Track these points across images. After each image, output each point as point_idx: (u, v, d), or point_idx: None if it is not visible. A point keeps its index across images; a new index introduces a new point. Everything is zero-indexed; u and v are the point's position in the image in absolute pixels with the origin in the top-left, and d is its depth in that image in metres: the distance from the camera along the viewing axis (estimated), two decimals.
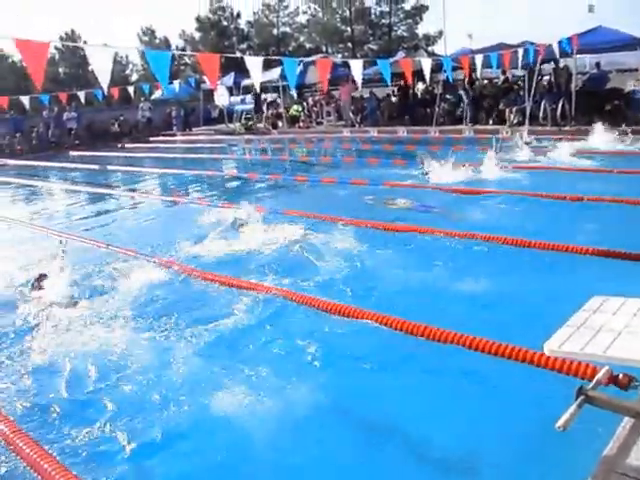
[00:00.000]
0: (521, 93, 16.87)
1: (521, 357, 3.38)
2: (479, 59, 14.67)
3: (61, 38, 46.90)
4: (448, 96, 19.14)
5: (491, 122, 17.38)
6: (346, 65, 18.55)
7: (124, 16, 71.40)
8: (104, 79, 6.46)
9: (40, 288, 5.73)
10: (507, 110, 16.82)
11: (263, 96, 25.97)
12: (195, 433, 3.22)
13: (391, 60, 15.02)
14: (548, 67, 17.54)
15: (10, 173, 18.41)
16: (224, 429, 3.22)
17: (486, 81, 20.08)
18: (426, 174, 9.87)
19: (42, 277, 5.89)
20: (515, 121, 16.36)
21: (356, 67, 11.87)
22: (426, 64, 13.38)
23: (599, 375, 2.28)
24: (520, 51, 14.87)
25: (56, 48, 41.25)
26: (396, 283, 5.19)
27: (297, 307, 4.68)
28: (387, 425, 3.18)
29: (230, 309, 4.81)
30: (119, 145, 24.57)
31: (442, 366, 3.67)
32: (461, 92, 18.24)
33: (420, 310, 4.42)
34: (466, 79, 18.09)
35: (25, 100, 21.09)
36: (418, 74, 15.70)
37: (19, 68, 47.30)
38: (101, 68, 6.46)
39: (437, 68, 16.09)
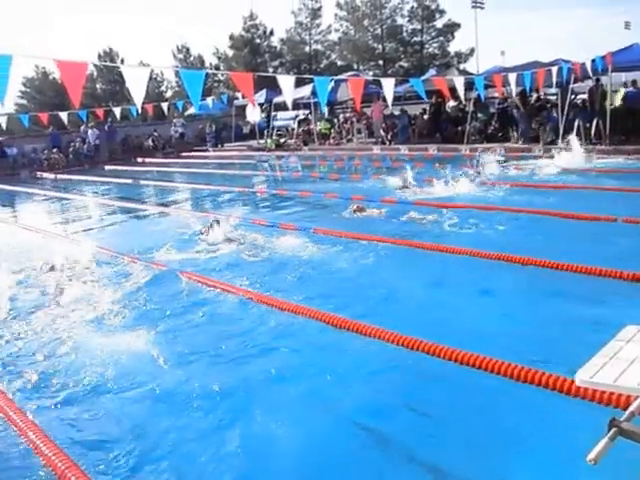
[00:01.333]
0: (554, 112, 16.70)
1: (550, 384, 3.28)
2: (512, 77, 14.57)
3: (99, 56, 48.04)
4: (480, 114, 19.04)
5: (521, 142, 17.21)
6: (377, 83, 18.61)
7: (160, 34, 73.06)
8: (138, 97, 6.61)
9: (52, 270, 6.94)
10: (540, 129, 16.66)
11: (294, 113, 26.19)
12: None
13: (423, 78, 15.02)
14: (582, 85, 17.36)
15: (46, 186, 18.84)
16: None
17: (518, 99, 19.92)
18: (405, 187, 11.07)
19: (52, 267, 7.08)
20: (548, 140, 16.18)
21: (388, 85, 11.88)
22: (459, 82, 13.35)
23: (633, 406, 2.21)
24: (554, 69, 14.74)
25: (94, 65, 42.20)
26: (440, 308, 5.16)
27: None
28: (407, 448, 3.14)
29: (267, 329, 4.86)
30: (140, 160, 24.99)
31: (467, 390, 3.61)
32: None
33: (439, 330, 4.38)
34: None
35: (64, 116, 21.59)
36: (449, 92, 15.66)
37: (60, 85, 48.56)
38: (136, 86, 6.60)
39: (469, 86, 16.03)
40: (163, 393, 3.90)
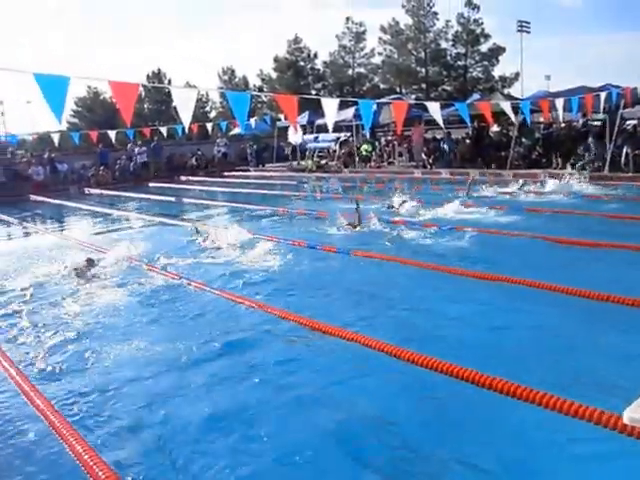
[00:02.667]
0: (602, 138, 16.40)
1: (595, 419, 3.15)
2: (560, 102, 14.40)
3: (148, 76, 49.39)
4: (524, 139, 18.83)
5: (568, 167, 16.95)
6: (420, 106, 18.62)
7: (206, 54, 74.69)
8: (186, 117, 6.78)
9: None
10: (586, 155, 16.38)
11: (336, 135, 26.36)
12: None
13: (468, 102, 14.98)
14: (633, 111, 17.02)
15: (92, 201, 19.33)
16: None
17: (564, 124, 19.68)
18: (391, 207, 11.94)
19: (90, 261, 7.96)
20: (580, 164, 15.86)
21: (434, 109, 11.87)
22: (506, 106, 13.26)
23: None
24: (602, 94, 14.51)
25: (143, 86, 43.38)
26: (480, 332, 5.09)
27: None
28: None
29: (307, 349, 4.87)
30: (184, 178, 25.41)
31: (508, 419, 3.53)
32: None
33: (469, 355, 4.31)
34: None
35: (112, 134, 22.18)
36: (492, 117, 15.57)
37: (109, 104, 50.09)
38: (184, 107, 6.77)
39: (514, 111, 15.90)
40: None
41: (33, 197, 21.60)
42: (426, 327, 5.27)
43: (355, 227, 10.18)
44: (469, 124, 14.34)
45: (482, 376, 3.75)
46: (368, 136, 25.83)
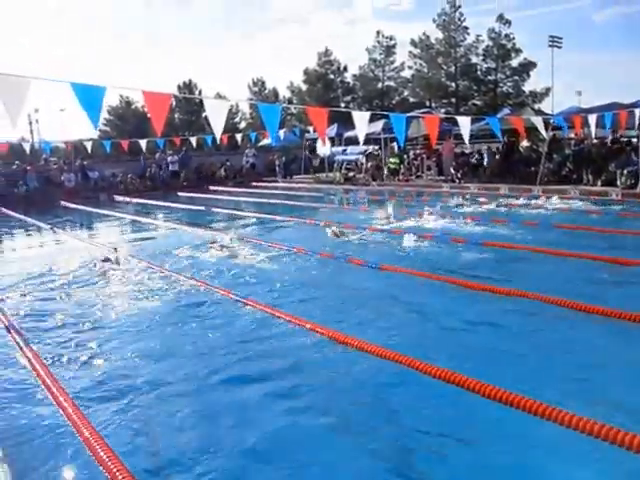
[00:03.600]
0: (634, 155, 16.14)
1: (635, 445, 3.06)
2: (592, 118, 14.22)
3: (179, 87, 50.06)
4: (555, 155, 18.61)
5: (599, 183, 16.70)
6: (451, 120, 18.55)
7: (237, 65, 75.51)
8: (218, 128, 6.85)
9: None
10: (618, 172, 16.12)
11: (364, 147, 26.35)
12: None
13: (499, 116, 14.88)
14: None
15: (121, 209, 19.58)
16: None
17: (595, 141, 19.41)
18: (387, 218, 12.51)
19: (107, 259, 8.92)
20: (628, 183, 15.63)
21: (464, 123, 11.80)
22: (538, 122, 13.14)
23: None
24: (637, 111, 14.31)
25: (174, 96, 44.03)
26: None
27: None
28: None
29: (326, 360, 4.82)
30: (212, 188, 25.59)
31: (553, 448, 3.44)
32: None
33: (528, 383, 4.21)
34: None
35: (142, 143, 22.47)
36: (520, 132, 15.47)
37: (141, 113, 50.92)
38: (216, 118, 6.85)
39: (544, 126, 15.75)
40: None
41: (64, 203, 21.95)
42: (472, 346, 5.18)
43: (339, 236, 10.78)
44: (501, 139, 14.22)
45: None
46: (396, 149, 25.79)
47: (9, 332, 5.97)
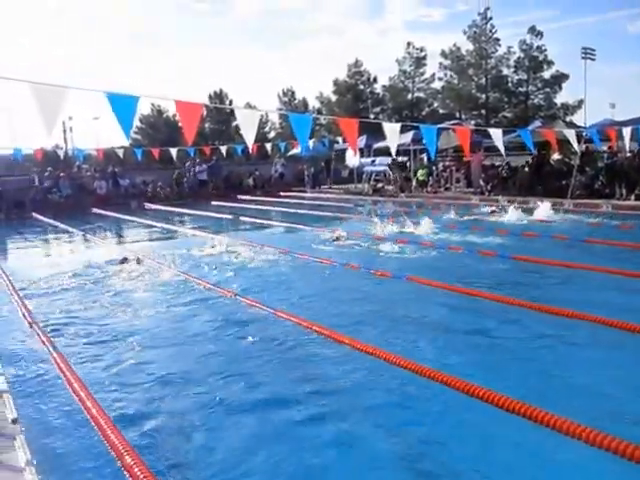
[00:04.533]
0: None
1: None
2: (627, 131, 13.99)
3: (210, 96, 50.64)
4: (587, 168, 18.33)
5: (633, 198, 16.37)
6: (479, 132, 18.41)
7: (267, 75, 76.18)
8: (250, 137, 6.93)
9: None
10: None
11: (393, 158, 26.27)
12: None
13: (531, 128, 14.73)
14: None
15: (148, 216, 19.81)
16: None
17: (629, 154, 19.06)
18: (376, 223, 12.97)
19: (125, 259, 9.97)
20: None
21: (496, 135, 11.69)
22: (571, 134, 12.97)
23: None
24: None
25: (205, 106, 44.62)
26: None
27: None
28: None
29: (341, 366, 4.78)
30: (240, 197, 25.73)
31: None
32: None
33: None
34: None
35: (173, 152, 22.71)
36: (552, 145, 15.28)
37: (172, 122, 51.59)
38: (248, 127, 6.92)
39: (577, 138, 15.53)
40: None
41: (95, 210, 22.27)
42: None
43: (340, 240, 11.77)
44: (533, 151, 14.05)
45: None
46: (426, 161, 25.69)
47: (31, 327, 6.27)
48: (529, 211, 15.76)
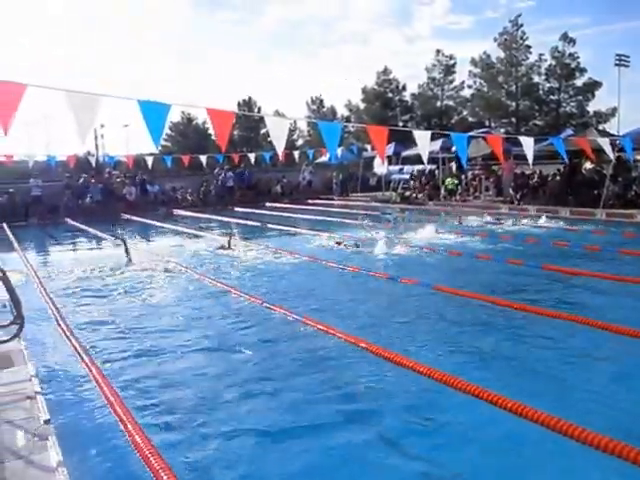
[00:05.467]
0: None
1: None
2: None
3: (239, 104, 51.09)
4: (620, 178, 18.02)
5: None
6: (509, 140, 18.22)
7: (295, 83, 76.61)
8: (280, 145, 7.02)
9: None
10: None
11: (421, 167, 26.19)
12: None
13: (563, 137, 14.53)
14: None
15: (176, 222, 20.03)
16: None
17: None
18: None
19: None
20: None
21: (527, 144, 11.56)
22: (604, 143, 12.75)
23: None
24: None
25: (235, 113, 44.98)
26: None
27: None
28: None
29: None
30: (268, 204, 25.80)
31: None
32: None
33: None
34: None
35: (203, 159, 22.90)
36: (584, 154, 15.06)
37: (202, 129, 52.16)
38: (278, 135, 7.01)
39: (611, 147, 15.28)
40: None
41: (125, 216, 22.57)
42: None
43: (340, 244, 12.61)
44: (566, 160, 13.86)
45: None
46: (454, 169, 25.56)
47: (62, 330, 6.35)
48: (560, 220, 15.59)
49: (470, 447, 3.83)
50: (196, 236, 15.47)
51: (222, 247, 12.53)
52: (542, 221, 16.08)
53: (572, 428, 3.28)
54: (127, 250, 11.64)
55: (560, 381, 4.85)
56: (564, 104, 48.34)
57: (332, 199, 27.56)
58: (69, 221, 21.10)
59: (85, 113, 5.50)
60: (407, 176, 26.63)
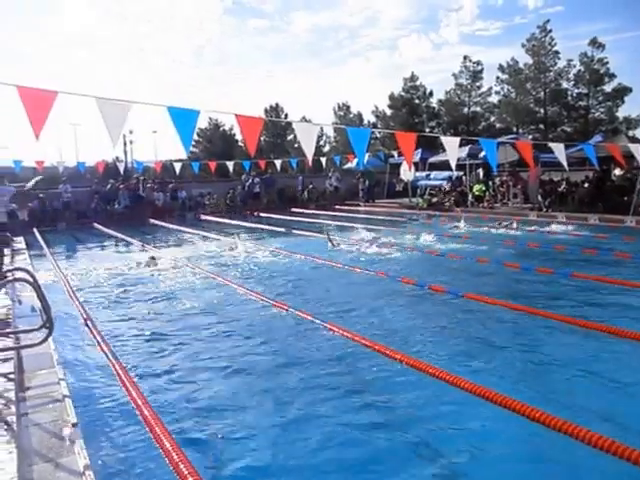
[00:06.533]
0: None
1: None
2: None
3: (266, 110, 51.36)
4: None
5: None
6: (537, 146, 18.03)
7: (321, 89, 76.81)
8: (309, 150, 7.06)
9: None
10: None
11: (448, 173, 25.99)
12: None
13: (593, 143, 14.31)
14: None
15: (203, 227, 20.15)
16: None
17: None
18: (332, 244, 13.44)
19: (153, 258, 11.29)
20: None
21: (559, 150, 11.40)
22: (636, 149, 12.52)
23: None
24: None
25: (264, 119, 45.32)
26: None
27: None
28: None
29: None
30: (294, 210, 25.83)
31: None
32: None
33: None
34: None
35: (229, 165, 23.03)
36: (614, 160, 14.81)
37: (228, 136, 52.52)
38: (307, 141, 7.06)
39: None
40: None
41: (152, 221, 22.80)
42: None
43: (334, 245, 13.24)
44: (597, 166, 13.63)
45: None
46: (481, 175, 25.34)
47: (91, 334, 6.50)
48: (588, 227, 15.34)
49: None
50: (226, 242, 15.50)
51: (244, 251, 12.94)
52: (570, 228, 15.86)
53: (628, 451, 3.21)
54: (153, 257, 11.89)
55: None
56: (593, 110, 47.66)
57: (359, 205, 27.50)
58: (97, 226, 21.37)
59: (115, 119, 5.58)
60: (435, 182, 26.45)
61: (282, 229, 18.02)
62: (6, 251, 12.73)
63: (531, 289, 8.58)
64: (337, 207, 26.75)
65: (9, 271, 5.80)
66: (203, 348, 6.10)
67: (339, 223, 19.55)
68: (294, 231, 17.39)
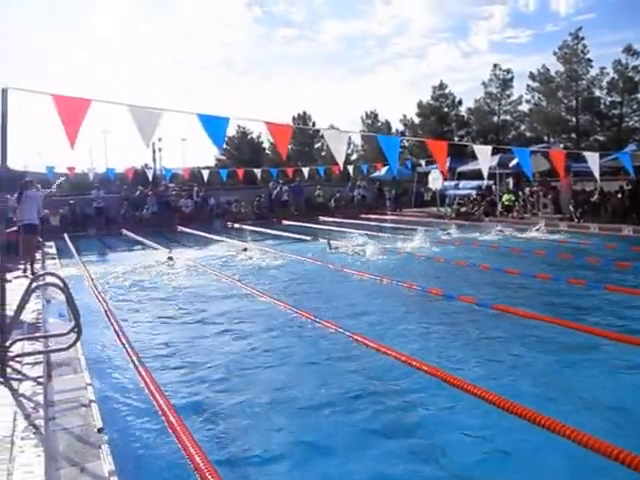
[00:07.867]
0: None
1: None
2: None
3: (293, 118, 51.61)
4: None
5: None
6: (570, 156, 17.78)
7: (349, 97, 76.98)
8: (340, 157, 7.14)
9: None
10: None
11: (477, 182, 25.77)
12: None
13: (630, 151, 14.07)
14: None
15: (231, 235, 20.24)
16: None
17: None
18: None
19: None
20: None
21: (592, 159, 11.20)
22: None
23: None
24: None
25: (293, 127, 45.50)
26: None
27: None
28: None
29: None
30: (321, 219, 25.81)
31: None
32: None
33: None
34: None
35: (257, 172, 23.13)
36: None
37: (255, 144, 52.85)
38: (338, 148, 7.14)
39: None
40: None
41: (180, 228, 22.94)
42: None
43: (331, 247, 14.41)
44: (632, 175, 13.38)
45: None
46: (511, 185, 25.07)
47: (118, 339, 6.50)
48: (622, 239, 15.05)
49: None
50: (252, 250, 15.52)
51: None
52: (603, 239, 15.57)
53: None
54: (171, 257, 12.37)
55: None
56: (627, 118, 46.84)
57: (386, 214, 27.36)
58: (126, 232, 21.59)
59: (147, 126, 5.64)
60: (464, 192, 26.24)
61: (308, 237, 18.01)
62: (37, 256, 12.93)
63: (561, 299, 8.41)
64: (364, 216, 26.65)
65: (40, 275, 5.85)
66: (233, 359, 6.07)
67: (367, 232, 19.48)
68: (321, 240, 17.34)
